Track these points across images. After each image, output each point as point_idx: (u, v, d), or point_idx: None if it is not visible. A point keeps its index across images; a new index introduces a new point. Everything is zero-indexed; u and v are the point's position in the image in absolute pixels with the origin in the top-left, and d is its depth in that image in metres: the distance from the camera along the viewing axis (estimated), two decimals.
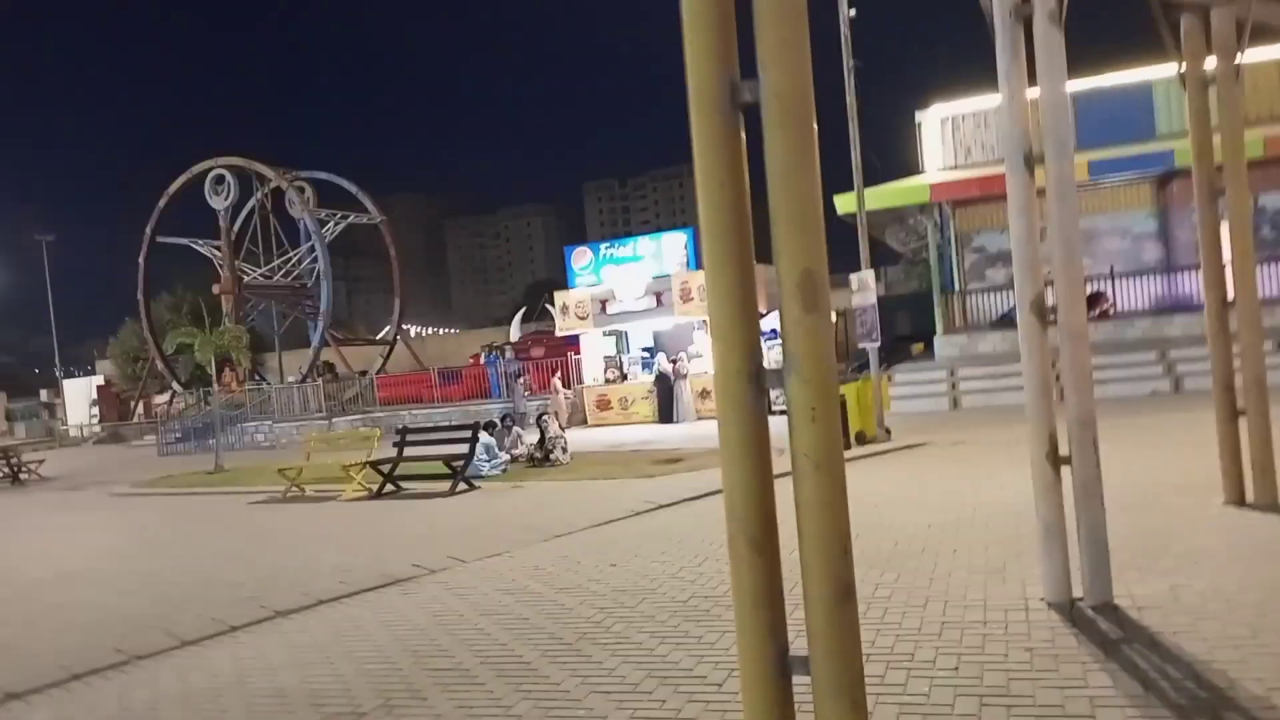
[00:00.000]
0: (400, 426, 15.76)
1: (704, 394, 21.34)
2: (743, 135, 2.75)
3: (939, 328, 21.51)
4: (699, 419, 20.46)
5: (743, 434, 2.71)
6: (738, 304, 2.72)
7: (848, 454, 12.77)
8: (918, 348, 25.58)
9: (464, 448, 13.20)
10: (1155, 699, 3.75)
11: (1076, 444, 5.01)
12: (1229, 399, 6.90)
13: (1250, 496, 6.86)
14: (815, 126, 2.73)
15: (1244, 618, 4.54)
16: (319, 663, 5.54)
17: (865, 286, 13.70)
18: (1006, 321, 20.22)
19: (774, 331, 22.96)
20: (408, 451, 13.89)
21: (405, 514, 11.62)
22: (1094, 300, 19.88)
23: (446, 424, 19.59)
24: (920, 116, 22.80)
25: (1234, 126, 6.85)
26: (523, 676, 4.87)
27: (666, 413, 21.07)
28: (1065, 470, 5.08)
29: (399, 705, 4.67)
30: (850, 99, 14.25)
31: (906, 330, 28.72)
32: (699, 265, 28.05)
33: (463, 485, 12.75)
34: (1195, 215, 23.46)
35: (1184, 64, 7.05)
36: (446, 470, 12.87)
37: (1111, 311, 21.15)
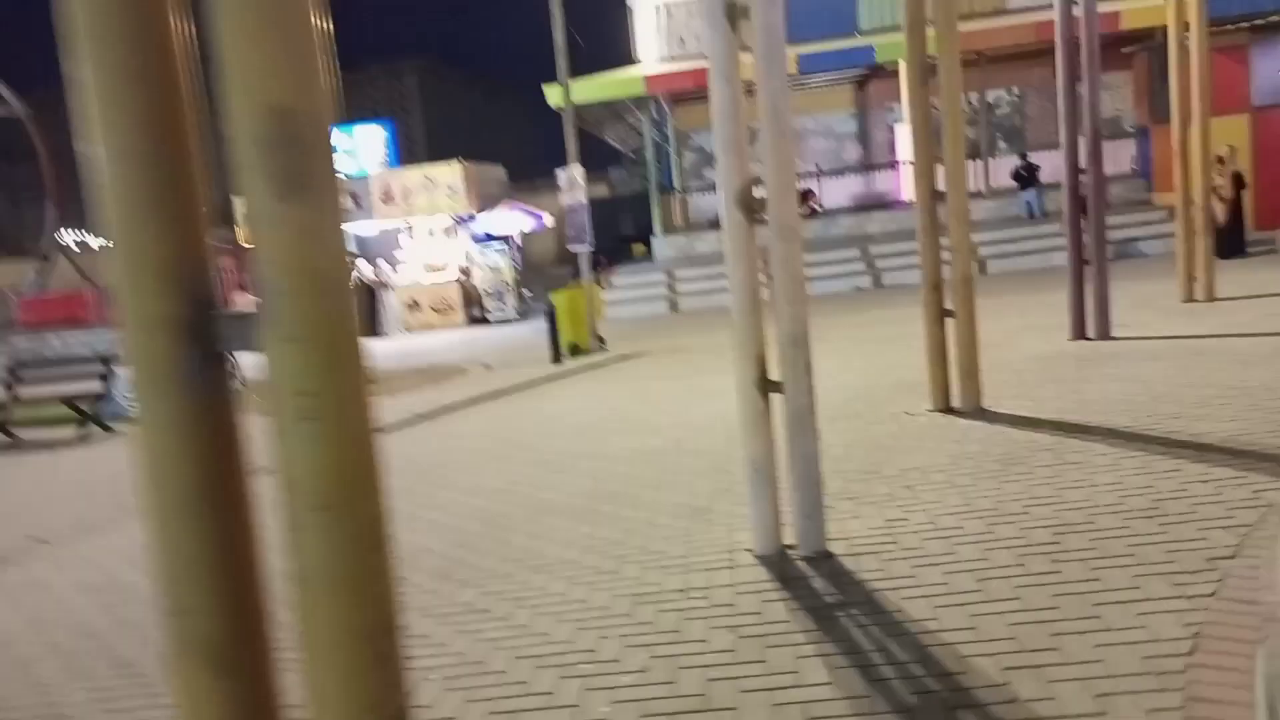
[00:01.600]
0: (11, 360, 12.79)
1: (413, 305, 19.76)
2: None
3: (658, 228, 21.07)
4: (409, 332, 19.00)
5: (175, 443, 1.37)
6: (156, 171, 1.33)
7: (558, 369, 11.75)
8: (639, 249, 25.20)
9: (97, 384, 10.81)
10: (881, 699, 2.96)
11: (789, 367, 4.14)
12: (937, 299, 6.48)
13: (956, 402, 6.54)
14: None
15: (967, 560, 3.94)
16: None
17: (574, 184, 12.54)
18: None
19: (487, 235, 21.38)
20: (30, 391, 11.35)
21: (5, 472, 9.24)
22: (802, 198, 20.21)
23: (85, 355, 16.50)
24: (631, 2, 21.67)
25: (949, 11, 6.21)
26: None
27: (371, 325, 19.20)
28: (775, 396, 4.24)
29: None
30: None
31: (630, 231, 28.32)
32: (401, 162, 25.72)
33: (99, 430, 10.46)
34: (890, 115, 23.93)
35: None
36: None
37: (819, 209, 21.70)
